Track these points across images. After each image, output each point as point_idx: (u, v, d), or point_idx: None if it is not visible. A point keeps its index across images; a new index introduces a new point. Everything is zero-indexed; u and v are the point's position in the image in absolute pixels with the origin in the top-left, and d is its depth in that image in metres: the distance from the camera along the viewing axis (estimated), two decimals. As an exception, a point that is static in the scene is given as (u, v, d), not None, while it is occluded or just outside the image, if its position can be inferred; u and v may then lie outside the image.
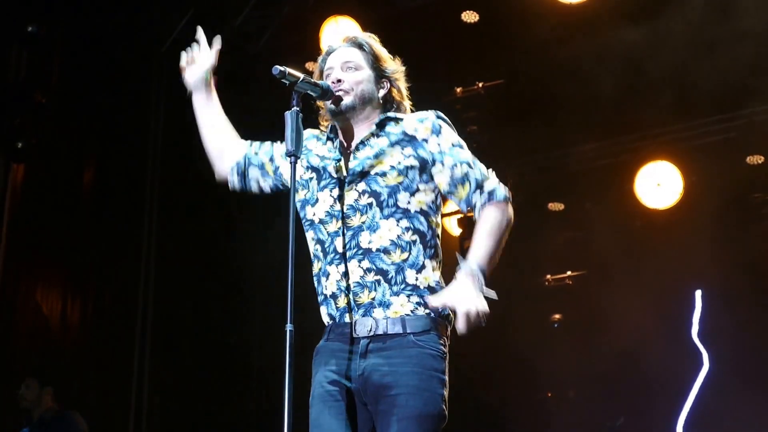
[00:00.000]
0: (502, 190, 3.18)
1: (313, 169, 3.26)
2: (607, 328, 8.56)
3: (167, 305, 8.19)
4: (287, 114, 3.07)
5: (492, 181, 3.19)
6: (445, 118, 3.27)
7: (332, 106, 3.22)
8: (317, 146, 3.32)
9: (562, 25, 7.49)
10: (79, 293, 7.75)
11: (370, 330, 3.07)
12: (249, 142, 3.48)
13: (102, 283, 7.93)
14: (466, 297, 2.93)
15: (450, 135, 3.22)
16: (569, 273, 9.26)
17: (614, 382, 8.48)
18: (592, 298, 8.77)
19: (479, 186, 3.16)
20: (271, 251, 7.41)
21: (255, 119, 8.00)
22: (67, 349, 7.61)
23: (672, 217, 8.47)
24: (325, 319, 3.20)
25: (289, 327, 2.86)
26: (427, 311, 3.08)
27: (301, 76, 3.12)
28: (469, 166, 3.17)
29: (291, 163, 3.05)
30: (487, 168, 3.24)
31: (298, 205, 3.27)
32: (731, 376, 7.96)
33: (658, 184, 8.41)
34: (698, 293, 8.37)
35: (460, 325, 2.92)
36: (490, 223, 3.12)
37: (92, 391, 7.69)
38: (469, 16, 7.95)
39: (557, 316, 9.35)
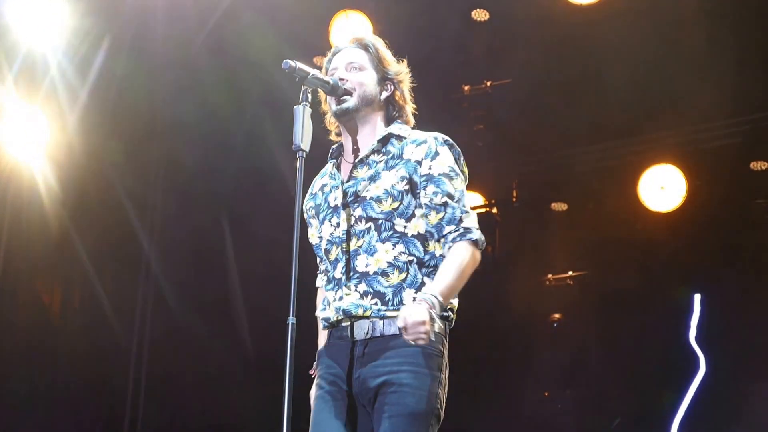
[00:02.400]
0: (478, 234, 3.11)
1: (314, 206, 3.29)
2: (606, 328, 8.58)
3: (168, 295, 8.20)
4: (296, 108, 3.09)
5: (471, 221, 3.13)
6: (449, 142, 3.21)
7: (335, 107, 3.23)
8: (319, 182, 3.35)
9: (571, 26, 7.49)
10: (79, 283, 7.76)
11: (367, 332, 3.09)
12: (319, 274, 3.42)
13: (102, 274, 7.94)
14: (412, 313, 2.86)
15: (445, 161, 3.15)
16: (570, 273, 9.26)
17: (611, 382, 8.49)
18: (592, 297, 8.79)
19: (456, 220, 3.11)
20: (275, 241, 7.45)
21: (265, 111, 8.08)
22: (65, 338, 7.63)
23: (675, 221, 8.47)
24: (323, 325, 3.24)
25: (291, 320, 2.88)
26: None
27: (311, 71, 3.14)
28: (450, 197, 3.11)
29: (299, 157, 3.06)
30: (469, 215, 3.16)
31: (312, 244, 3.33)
32: (728, 381, 7.98)
33: (662, 187, 8.41)
34: (697, 297, 8.38)
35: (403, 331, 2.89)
36: (460, 258, 3.05)
37: (91, 378, 7.72)
38: (480, 14, 7.95)
39: (557, 315, 9.36)
